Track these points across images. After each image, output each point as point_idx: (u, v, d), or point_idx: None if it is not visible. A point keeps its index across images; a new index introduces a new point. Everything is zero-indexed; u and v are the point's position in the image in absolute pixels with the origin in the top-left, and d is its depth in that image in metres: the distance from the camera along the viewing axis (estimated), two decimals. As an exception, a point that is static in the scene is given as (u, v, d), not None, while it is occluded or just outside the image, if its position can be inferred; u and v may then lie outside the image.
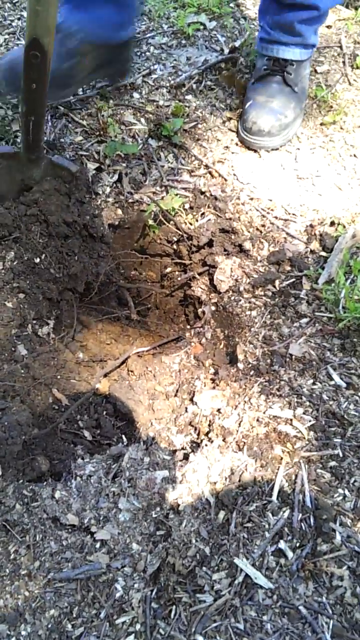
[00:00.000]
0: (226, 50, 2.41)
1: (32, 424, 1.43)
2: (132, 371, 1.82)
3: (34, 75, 1.45)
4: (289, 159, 2.06)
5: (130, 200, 1.94)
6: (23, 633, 1.10)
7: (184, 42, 2.48)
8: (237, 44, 2.43)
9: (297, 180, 1.98)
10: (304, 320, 1.59)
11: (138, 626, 1.11)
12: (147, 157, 2.07)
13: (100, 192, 1.95)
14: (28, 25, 1.37)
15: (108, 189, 1.96)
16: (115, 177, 1.99)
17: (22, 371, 1.55)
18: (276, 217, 1.88)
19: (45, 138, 2.08)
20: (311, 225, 1.85)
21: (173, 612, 1.12)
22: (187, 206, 1.93)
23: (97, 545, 1.20)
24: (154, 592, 1.15)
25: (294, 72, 2.07)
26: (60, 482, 1.30)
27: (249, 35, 2.47)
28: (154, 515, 1.23)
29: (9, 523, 1.22)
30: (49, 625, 1.11)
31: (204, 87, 2.30)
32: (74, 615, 1.13)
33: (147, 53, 2.43)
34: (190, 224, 1.88)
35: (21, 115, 1.58)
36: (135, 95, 2.27)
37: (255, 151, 2.07)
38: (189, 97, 2.27)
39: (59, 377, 1.65)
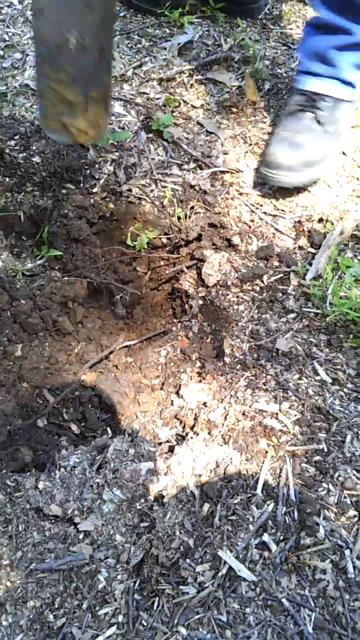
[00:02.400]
0: (225, 47, 2.40)
1: (17, 414, 1.41)
2: (117, 365, 1.81)
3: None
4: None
5: (118, 191, 1.93)
6: (4, 623, 1.09)
7: (175, 34, 2.47)
8: (232, 42, 2.42)
9: (286, 176, 1.98)
10: (291, 315, 1.60)
11: (120, 617, 1.11)
12: (136, 149, 2.06)
13: (89, 185, 1.94)
14: None
15: (96, 181, 1.94)
16: (104, 168, 1.98)
17: (9, 362, 1.54)
18: (265, 213, 1.88)
19: (31, 123, 2.06)
20: (300, 222, 1.85)
21: (156, 604, 1.12)
22: (174, 200, 1.92)
23: (81, 536, 1.19)
24: (137, 584, 1.15)
25: (328, 110, 1.87)
26: (44, 473, 1.29)
27: (241, 31, 2.46)
28: (138, 507, 1.23)
29: (-8, 513, 1.21)
30: (31, 616, 1.11)
31: (195, 81, 2.29)
32: (56, 606, 1.12)
33: (139, 45, 2.42)
34: (179, 217, 1.87)
35: None
36: (126, 87, 2.26)
37: (250, 152, 2.06)
38: (179, 90, 2.26)
39: (43, 368, 1.63)
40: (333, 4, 1.75)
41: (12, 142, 1.98)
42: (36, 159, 1.92)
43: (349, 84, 1.87)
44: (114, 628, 1.10)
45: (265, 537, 1.18)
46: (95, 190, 1.92)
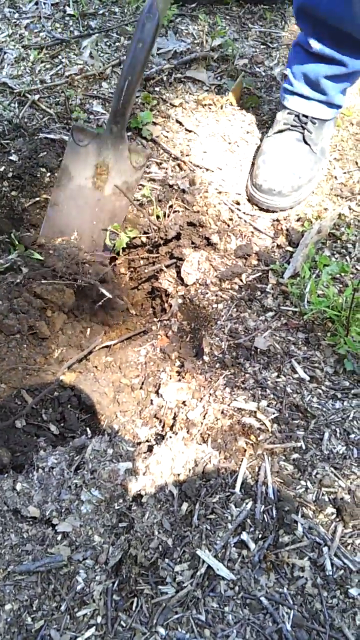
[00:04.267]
0: (207, 47, 2.40)
1: (-6, 415, 1.40)
2: (97, 365, 1.81)
3: (143, 36, 1.61)
4: (258, 154, 2.06)
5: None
6: (-19, 627, 1.08)
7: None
8: (211, 41, 2.42)
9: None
10: (270, 314, 1.60)
11: (99, 619, 1.11)
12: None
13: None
14: None
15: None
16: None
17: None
18: (244, 212, 1.88)
19: (9, 121, 2.04)
20: (278, 220, 1.86)
21: (135, 604, 1.12)
22: (153, 198, 1.92)
23: (59, 537, 1.18)
24: (115, 584, 1.14)
25: (314, 130, 1.92)
26: (22, 474, 1.28)
27: (220, 30, 2.46)
28: (116, 507, 1.22)
29: (-32, 515, 1.20)
30: (8, 619, 1.10)
31: (174, 80, 2.29)
32: (34, 609, 1.11)
33: (117, 43, 2.41)
34: (158, 216, 1.87)
35: (120, 76, 1.67)
36: (104, 85, 2.25)
37: (231, 150, 2.06)
38: (158, 89, 2.25)
39: (21, 369, 1.62)
40: (325, 37, 1.74)
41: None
42: (13, 157, 1.91)
43: (336, 106, 1.92)
44: (92, 629, 1.09)
45: (244, 536, 1.18)
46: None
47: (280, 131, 1.96)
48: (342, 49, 1.74)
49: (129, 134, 2.08)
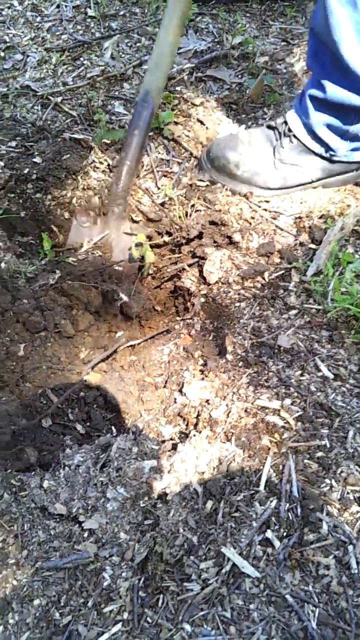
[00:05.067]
0: (227, 45, 2.40)
1: (21, 414, 1.42)
2: (121, 364, 1.82)
3: (137, 122, 1.76)
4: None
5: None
6: (11, 621, 1.10)
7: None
8: (231, 39, 2.42)
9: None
10: (293, 312, 1.60)
11: (125, 614, 1.12)
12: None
13: (89, 186, 1.94)
14: (145, 79, 1.79)
15: (96, 180, 1.95)
16: (104, 167, 1.98)
17: (13, 363, 1.55)
18: (266, 210, 1.88)
19: (32, 123, 2.07)
20: (300, 218, 1.85)
21: (160, 601, 1.13)
22: (174, 198, 1.93)
23: (85, 534, 1.20)
24: (141, 581, 1.16)
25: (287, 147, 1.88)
26: (49, 472, 1.30)
27: (240, 28, 2.46)
28: (142, 505, 1.24)
29: (-3, 512, 1.22)
30: (37, 614, 1.12)
31: (195, 79, 2.30)
32: (62, 604, 1.13)
33: (138, 44, 2.42)
34: (180, 216, 1.88)
35: (119, 159, 1.79)
36: (126, 86, 2.26)
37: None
38: (179, 88, 2.26)
39: (45, 367, 1.65)
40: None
41: (13, 143, 1.99)
42: (37, 159, 1.93)
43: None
44: (119, 625, 1.11)
45: (269, 534, 1.19)
46: (95, 190, 1.93)
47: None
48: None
49: (150, 134, 2.09)
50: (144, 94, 1.74)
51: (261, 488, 1.25)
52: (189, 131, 2.11)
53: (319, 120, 1.75)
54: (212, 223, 1.82)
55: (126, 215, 1.84)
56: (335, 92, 1.65)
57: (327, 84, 1.66)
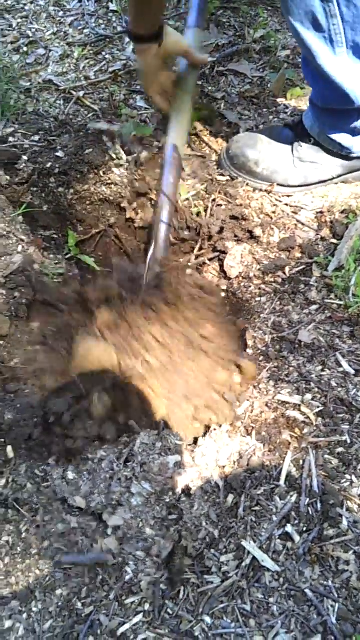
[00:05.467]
0: (249, 39, 2.39)
1: (44, 407, 1.44)
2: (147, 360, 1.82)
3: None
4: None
5: (139, 187, 1.94)
6: (34, 609, 1.12)
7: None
8: (253, 33, 2.40)
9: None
10: (314, 307, 1.60)
11: (147, 606, 1.13)
12: (157, 143, 2.06)
13: (111, 180, 1.95)
14: (169, 134, 1.83)
15: (118, 176, 1.95)
16: (126, 162, 1.99)
17: (37, 355, 1.56)
18: (287, 205, 1.88)
19: (55, 118, 2.09)
20: (322, 213, 1.84)
21: (181, 593, 1.14)
22: (192, 194, 1.93)
23: (109, 530, 1.21)
24: (165, 576, 1.17)
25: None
26: (72, 465, 1.32)
27: (262, 22, 2.45)
28: (166, 500, 1.25)
29: (20, 502, 1.24)
30: (59, 603, 1.13)
31: (217, 73, 2.29)
32: (84, 595, 1.15)
33: (160, 38, 2.42)
34: (198, 213, 1.88)
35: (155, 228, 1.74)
36: (148, 80, 2.26)
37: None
38: (200, 82, 2.26)
39: (71, 362, 1.66)
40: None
41: (36, 137, 2.01)
42: (59, 153, 1.95)
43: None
44: (140, 616, 1.12)
45: (289, 528, 1.19)
46: (117, 184, 1.93)
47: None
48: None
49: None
50: (170, 151, 1.78)
51: (281, 482, 1.25)
52: (210, 125, 2.11)
53: (325, 122, 1.77)
54: (233, 217, 1.82)
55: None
56: (327, 98, 1.68)
57: (319, 92, 1.70)
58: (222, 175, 1.95)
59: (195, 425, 1.50)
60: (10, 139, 2.01)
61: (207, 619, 1.11)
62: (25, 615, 1.12)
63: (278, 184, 1.88)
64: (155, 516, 1.23)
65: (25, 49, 2.38)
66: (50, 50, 2.38)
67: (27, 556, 1.18)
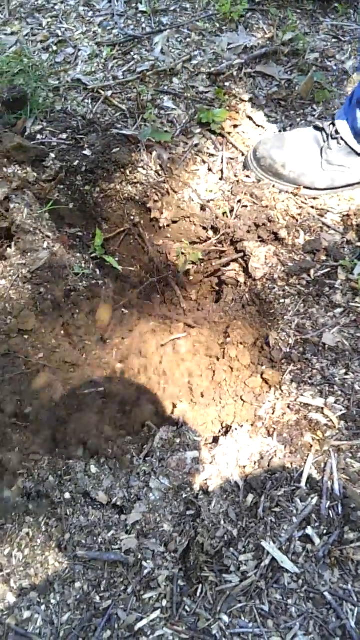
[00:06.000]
0: (277, 41, 2.38)
1: (66, 402, 1.45)
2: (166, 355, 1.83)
3: None
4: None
5: (165, 187, 1.94)
6: (52, 601, 1.13)
7: (224, 28, 2.47)
8: (282, 35, 2.40)
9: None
10: (338, 310, 1.59)
11: (164, 602, 1.13)
12: (184, 143, 2.07)
13: (137, 179, 1.96)
14: None
15: (144, 175, 1.96)
16: (150, 162, 2.00)
17: (57, 353, 1.58)
18: (313, 207, 1.87)
19: (82, 116, 2.10)
20: (348, 216, 1.83)
21: (199, 591, 1.14)
22: (218, 195, 1.93)
23: (128, 524, 1.22)
24: (181, 571, 1.17)
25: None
26: (93, 459, 1.33)
27: (291, 24, 2.44)
28: (184, 496, 1.25)
29: (41, 494, 1.25)
30: (78, 596, 1.14)
31: (244, 75, 2.29)
32: (102, 589, 1.15)
33: (188, 39, 2.43)
34: (224, 213, 1.88)
35: None
36: (175, 81, 2.27)
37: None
38: (228, 84, 2.26)
39: (91, 359, 1.67)
40: None
41: (64, 135, 2.02)
42: (87, 152, 1.96)
43: None
44: (157, 612, 1.12)
45: (309, 530, 1.19)
46: (142, 184, 1.94)
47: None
48: None
49: (198, 131, 2.10)
50: None
51: (302, 485, 1.25)
52: (237, 127, 2.11)
53: None
54: (258, 219, 1.81)
55: None
56: None
57: None
58: (248, 176, 1.95)
59: (216, 425, 1.51)
60: (39, 136, 2.02)
61: (225, 618, 1.11)
62: (43, 607, 1.13)
63: (305, 187, 1.87)
64: (172, 511, 1.23)
65: (54, 48, 2.40)
66: (79, 50, 2.40)
67: (46, 548, 1.19)
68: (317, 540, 1.18)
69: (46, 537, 1.20)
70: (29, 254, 1.62)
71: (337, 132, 1.81)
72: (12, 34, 2.42)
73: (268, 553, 1.16)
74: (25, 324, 1.49)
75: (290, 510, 1.21)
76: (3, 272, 1.54)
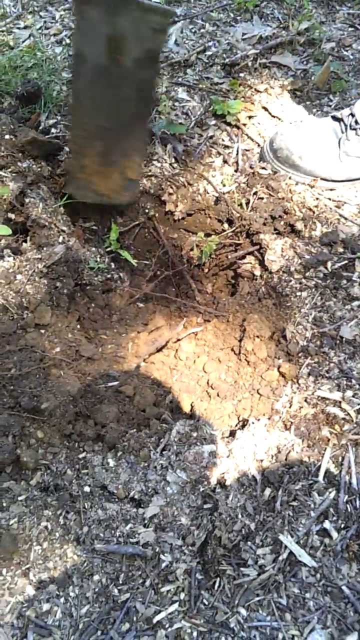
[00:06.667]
0: (293, 31, 2.36)
1: (83, 396, 1.46)
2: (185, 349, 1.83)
3: None
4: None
5: (181, 180, 1.93)
6: (71, 594, 1.14)
7: (239, 18, 2.45)
8: (297, 24, 2.37)
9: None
10: (356, 302, 1.57)
11: (182, 595, 1.14)
12: (199, 135, 2.06)
13: (151, 172, 1.95)
14: None
15: (159, 165, 1.95)
16: (165, 154, 1.99)
17: (73, 347, 1.58)
18: (330, 199, 1.85)
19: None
20: (365, 207, 1.82)
21: (217, 584, 1.14)
22: (234, 187, 1.92)
23: (146, 518, 1.22)
24: (199, 564, 1.17)
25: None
26: (111, 452, 1.33)
27: (307, 13, 2.41)
28: (201, 489, 1.25)
29: (59, 487, 1.26)
30: (96, 589, 1.15)
31: (259, 65, 2.27)
32: (120, 582, 1.16)
33: (202, 30, 2.41)
34: (240, 204, 1.87)
35: None
36: (189, 72, 2.25)
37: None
38: (243, 74, 2.24)
39: (107, 353, 1.68)
40: None
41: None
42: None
43: None
44: (176, 605, 1.13)
45: (327, 524, 1.18)
46: (157, 177, 1.93)
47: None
48: None
49: (213, 122, 2.08)
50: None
51: (320, 478, 1.24)
52: (252, 117, 2.09)
53: None
54: (274, 211, 1.80)
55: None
56: None
57: None
58: (264, 168, 1.93)
59: (233, 418, 1.51)
60: (53, 130, 2.02)
61: (243, 611, 1.11)
62: (62, 600, 1.14)
63: (322, 178, 1.85)
64: (190, 505, 1.24)
65: (67, 41, 2.39)
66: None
67: (65, 542, 1.20)
68: (334, 534, 1.17)
69: (65, 530, 1.21)
70: (44, 249, 1.63)
71: (356, 122, 1.79)
72: (26, 27, 2.41)
73: (286, 547, 1.16)
74: (42, 318, 1.50)
75: (308, 504, 1.21)
76: (19, 267, 1.55)
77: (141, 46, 1.53)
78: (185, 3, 2.52)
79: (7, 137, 1.86)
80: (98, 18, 1.47)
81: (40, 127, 2.01)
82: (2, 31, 2.36)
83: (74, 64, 1.57)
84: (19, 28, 2.40)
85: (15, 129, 1.89)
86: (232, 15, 2.47)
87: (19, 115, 2.01)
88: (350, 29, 2.40)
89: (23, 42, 2.33)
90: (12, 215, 1.70)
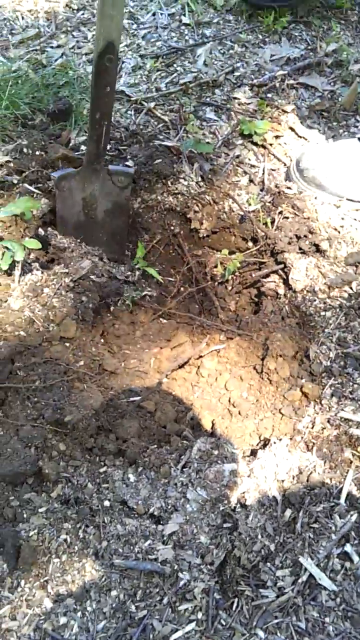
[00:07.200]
0: (321, 53, 2.38)
1: (105, 410, 1.46)
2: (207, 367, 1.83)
3: (108, 79, 1.55)
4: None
5: (207, 199, 1.95)
6: (89, 609, 1.14)
7: (267, 40, 2.47)
8: (325, 46, 2.40)
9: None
10: (381, 324, 1.57)
11: (200, 615, 1.13)
12: (225, 154, 2.08)
13: (178, 190, 1.97)
14: (102, 29, 1.44)
15: (185, 186, 1.97)
16: (192, 173, 2.01)
17: (97, 361, 1.60)
18: (355, 219, 1.85)
19: (125, 128, 2.13)
20: (391, 228, 1.81)
21: (235, 605, 1.13)
22: (259, 206, 1.93)
23: (165, 535, 1.22)
24: (217, 584, 1.16)
25: None
26: (131, 468, 1.33)
27: (335, 35, 2.43)
28: (221, 508, 1.24)
29: (80, 501, 1.26)
30: (113, 605, 1.15)
31: (287, 86, 2.29)
32: (138, 598, 1.16)
33: (231, 51, 2.44)
34: (265, 223, 1.88)
35: (92, 123, 1.66)
36: (217, 92, 2.28)
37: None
38: (270, 95, 2.26)
39: (130, 368, 1.69)
40: None
41: (107, 147, 2.05)
42: (129, 162, 1.98)
43: None
44: (193, 624, 1.12)
45: (348, 548, 1.17)
46: (183, 194, 1.95)
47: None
48: None
49: (240, 142, 2.10)
50: (105, 46, 1.46)
51: (342, 501, 1.23)
52: (279, 138, 2.11)
53: None
54: (300, 230, 1.81)
55: (104, 166, 1.81)
56: None
57: None
58: (289, 187, 1.94)
59: (254, 437, 1.50)
60: (83, 147, 2.06)
61: (261, 633, 1.10)
62: (79, 614, 1.14)
63: (347, 199, 1.86)
64: (209, 523, 1.23)
65: (99, 60, 2.45)
66: (122, 62, 2.43)
67: (83, 555, 1.20)
68: (356, 558, 1.16)
69: (84, 544, 1.21)
70: (71, 263, 1.65)
71: None
72: (59, 46, 2.47)
73: (306, 569, 1.14)
74: (67, 332, 1.52)
75: (329, 527, 1.19)
76: (47, 281, 1.57)
77: (110, 201, 1.87)
78: (215, 25, 2.55)
79: (37, 153, 1.90)
80: (75, 186, 1.78)
81: (71, 144, 2.05)
82: (36, 50, 2.41)
83: (58, 226, 1.83)
84: (52, 47, 2.46)
85: (46, 145, 1.93)
86: (260, 36, 2.50)
87: (50, 132, 2.05)
88: (378, 51, 2.42)
89: (56, 60, 2.38)
90: (42, 231, 1.73)
